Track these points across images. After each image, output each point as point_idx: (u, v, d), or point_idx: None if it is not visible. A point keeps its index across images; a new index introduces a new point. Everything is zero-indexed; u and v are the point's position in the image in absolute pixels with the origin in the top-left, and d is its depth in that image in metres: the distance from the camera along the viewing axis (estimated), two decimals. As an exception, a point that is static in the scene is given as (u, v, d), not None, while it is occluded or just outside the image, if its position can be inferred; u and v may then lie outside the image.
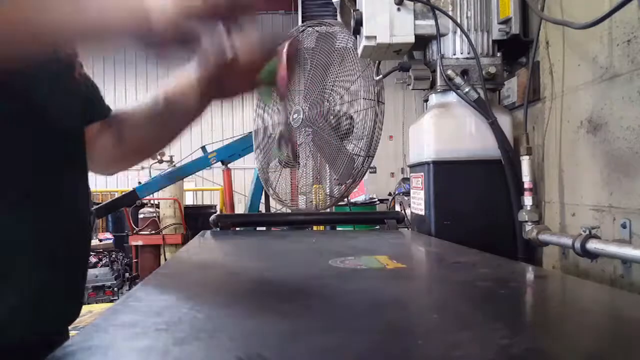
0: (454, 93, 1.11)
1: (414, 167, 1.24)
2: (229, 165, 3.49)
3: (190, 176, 3.51)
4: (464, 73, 1.11)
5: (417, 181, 1.22)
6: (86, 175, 0.59)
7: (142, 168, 4.48)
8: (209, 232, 1.12)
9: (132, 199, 3.08)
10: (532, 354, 0.31)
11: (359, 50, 1.14)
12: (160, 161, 3.94)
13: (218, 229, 1.12)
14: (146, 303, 0.48)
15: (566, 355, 0.32)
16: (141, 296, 0.49)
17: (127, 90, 7.27)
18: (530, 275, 0.62)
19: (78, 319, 0.57)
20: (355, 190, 3.20)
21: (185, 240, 3.76)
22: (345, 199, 1.96)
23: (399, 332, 0.37)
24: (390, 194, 4.47)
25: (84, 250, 0.60)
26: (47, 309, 0.51)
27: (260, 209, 3.00)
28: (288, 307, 0.44)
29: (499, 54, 1.13)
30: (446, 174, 1.12)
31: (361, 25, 1.07)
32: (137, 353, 0.33)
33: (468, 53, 1.11)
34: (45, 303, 0.51)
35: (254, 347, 0.34)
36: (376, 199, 4.49)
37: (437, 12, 1.09)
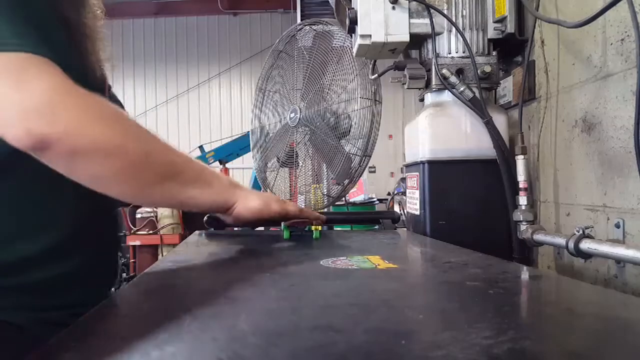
0: (449, 92, 1.10)
1: (409, 166, 1.24)
2: (227, 165, 3.49)
3: (189, 175, 3.50)
4: (459, 72, 1.11)
5: (413, 181, 1.21)
6: None
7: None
8: (203, 232, 1.12)
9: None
10: (514, 354, 0.31)
11: (354, 49, 1.13)
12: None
13: (213, 230, 1.11)
14: (130, 304, 0.47)
15: (549, 356, 0.32)
16: (124, 298, 0.49)
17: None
18: (520, 275, 0.62)
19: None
20: (354, 190, 3.19)
21: (183, 240, 3.75)
22: (343, 199, 1.95)
23: (383, 332, 0.36)
24: (389, 194, 4.47)
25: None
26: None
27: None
28: (273, 307, 0.43)
29: (494, 53, 1.13)
30: (441, 174, 1.12)
31: (356, 23, 1.07)
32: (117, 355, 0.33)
33: (463, 52, 1.11)
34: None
35: (235, 347, 0.33)
36: (375, 199, 4.48)
37: (432, 10, 1.08)
